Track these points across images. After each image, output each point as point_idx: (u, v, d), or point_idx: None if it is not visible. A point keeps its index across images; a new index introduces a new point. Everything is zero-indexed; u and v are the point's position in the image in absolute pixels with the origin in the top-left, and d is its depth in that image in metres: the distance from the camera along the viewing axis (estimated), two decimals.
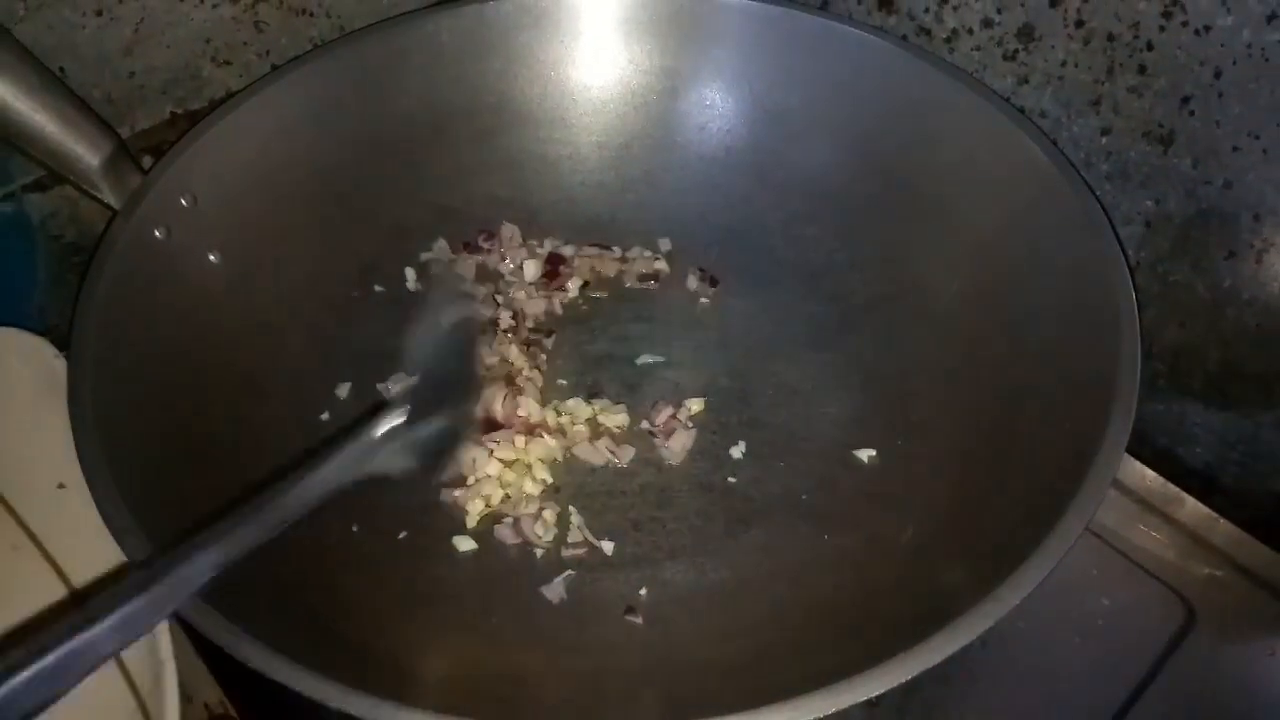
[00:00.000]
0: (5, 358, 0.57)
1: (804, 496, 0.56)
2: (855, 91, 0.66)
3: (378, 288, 0.65)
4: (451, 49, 0.67)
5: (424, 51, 0.67)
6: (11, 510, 0.54)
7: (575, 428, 0.60)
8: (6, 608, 0.50)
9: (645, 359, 0.63)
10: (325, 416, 0.59)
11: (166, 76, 0.65)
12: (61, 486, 0.53)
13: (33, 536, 0.53)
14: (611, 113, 0.70)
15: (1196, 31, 0.55)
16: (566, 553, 0.55)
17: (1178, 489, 0.61)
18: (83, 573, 0.51)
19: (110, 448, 0.46)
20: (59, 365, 0.56)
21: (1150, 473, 0.62)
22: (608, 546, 0.55)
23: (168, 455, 0.50)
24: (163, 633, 0.50)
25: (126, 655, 0.50)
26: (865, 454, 0.58)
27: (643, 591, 0.53)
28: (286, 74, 0.64)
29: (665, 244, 0.68)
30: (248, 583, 0.44)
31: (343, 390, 0.60)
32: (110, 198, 0.56)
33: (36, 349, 0.58)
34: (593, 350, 0.64)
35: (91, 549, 0.49)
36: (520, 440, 0.58)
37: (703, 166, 0.70)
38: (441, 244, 0.67)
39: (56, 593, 0.51)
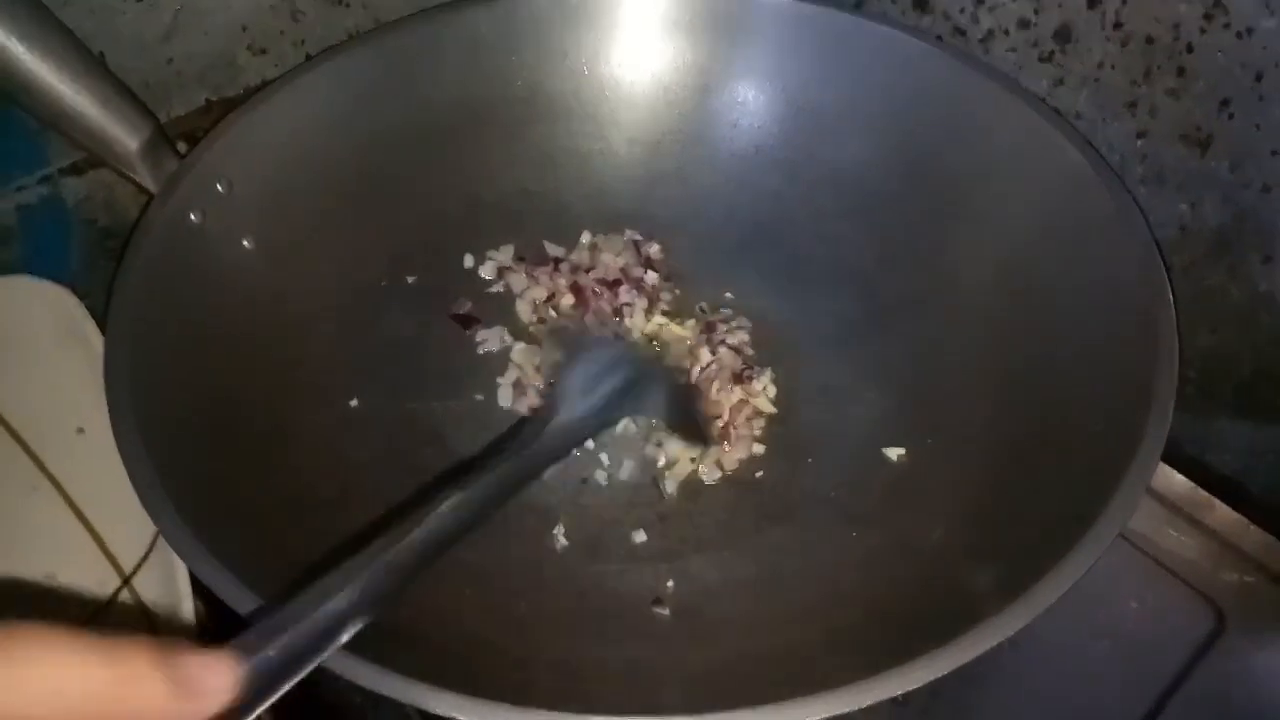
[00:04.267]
0: (26, 305, 0.59)
1: (832, 494, 0.56)
2: (889, 91, 0.66)
3: (409, 278, 0.65)
4: (486, 41, 0.68)
5: (458, 43, 0.67)
6: (32, 453, 0.55)
7: None
8: (26, 549, 0.52)
9: None
10: (354, 403, 0.59)
11: (203, 63, 0.66)
12: (81, 431, 0.54)
13: (52, 479, 0.54)
14: (644, 108, 0.70)
15: (1239, 34, 0.54)
16: None
17: (1208, 494, 0.61)
18: (101, 516, 0.53)
19: (146, 428, 0.46)
20: (79, 313, 0.58)
21: (1180, 477, 0.62)
22: (636, 538, 0.55)
23: (202, 435, 0.50)
24: (179, 568, 0.50)
25: (143, 589, 0.51)
26: (894, 453, 0.57)
27: (670, 584, 0.53)
28: (321, 63, 0.64)
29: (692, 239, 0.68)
30: (290, 562, 0.44)
31: (371, 377, 0.61)
32: (147, 181, 0.56)
33: (57, 297, 0.59)
34: None
35: (110, 492, 0.50)
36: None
37: (733, 163, 0.70)
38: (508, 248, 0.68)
39: (75, 535, 0.52)
